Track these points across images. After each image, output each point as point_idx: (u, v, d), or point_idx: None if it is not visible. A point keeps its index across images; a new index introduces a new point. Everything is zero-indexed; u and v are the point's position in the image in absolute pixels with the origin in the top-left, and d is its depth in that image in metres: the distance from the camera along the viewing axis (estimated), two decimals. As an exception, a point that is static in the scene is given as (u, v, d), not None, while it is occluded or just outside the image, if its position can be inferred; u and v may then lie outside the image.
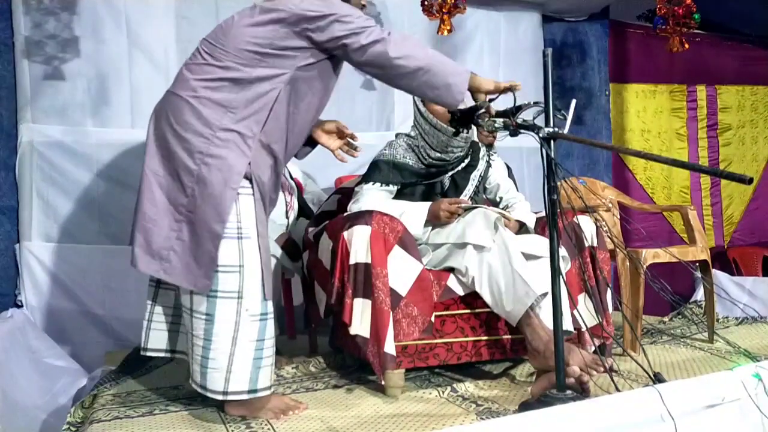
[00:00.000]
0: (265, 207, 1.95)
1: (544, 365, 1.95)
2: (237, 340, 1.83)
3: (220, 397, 1.87)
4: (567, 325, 2.06)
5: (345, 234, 2.15)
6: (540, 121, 1.82)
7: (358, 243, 2.10)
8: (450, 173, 2.48)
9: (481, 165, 2.55)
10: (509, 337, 2.27)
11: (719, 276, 4.02)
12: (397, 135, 2.57)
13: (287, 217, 2.92)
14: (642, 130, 4.89)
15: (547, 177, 1.75)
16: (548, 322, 2.04)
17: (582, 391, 1.79)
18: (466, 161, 2.50)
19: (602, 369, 1.88)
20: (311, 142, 2.23)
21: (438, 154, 2.41)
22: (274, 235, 2.81)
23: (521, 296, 2.03)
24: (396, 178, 2.42)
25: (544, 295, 2.04)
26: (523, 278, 2.03)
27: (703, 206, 5.07)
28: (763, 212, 5.33)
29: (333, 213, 2.76)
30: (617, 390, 1.79)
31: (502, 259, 2.09)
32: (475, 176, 2.52)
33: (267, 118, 1.90)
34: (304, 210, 3.05)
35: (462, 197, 2.46)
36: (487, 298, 2.12)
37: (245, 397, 1.85)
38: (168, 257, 1.87)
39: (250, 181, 1.88)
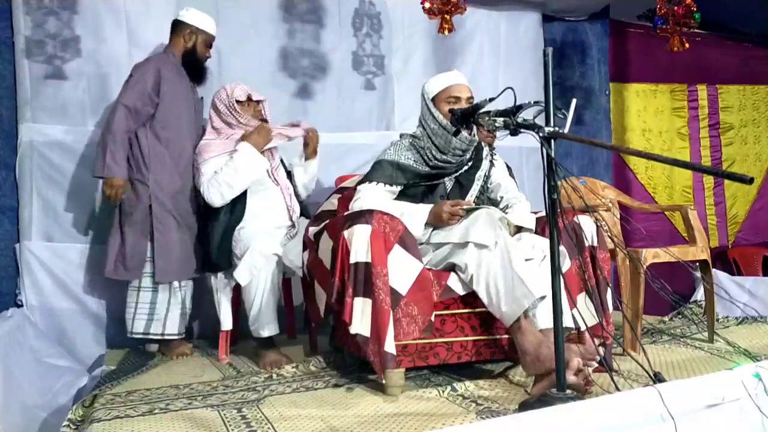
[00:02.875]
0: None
1: (539, 369, 1.95)
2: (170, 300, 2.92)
3: (158, 337, 2.93)
4: (567, 321, 2.05)
5: (345, 233, 2.15)
6: (540, 121, 1.82)
7: (359, 242, 2.10)
8: (454, 175, 2.47)
9: (485, 164, 2.54)
10: (509, 337, 2.27)
11: (719, 276, 4.01)
12: (401, 135, 2.56)
13: (291, 219, 2.94)
14: (643, 130, 4.88)
15: (548, 176, 1.75)
16: (545, 322, 2.04)
17: (585, 385, 1.79)
18: (470, 162, 2.50)
19: (597, 358, 1.88)
20: None
21: (442, 156, 2.41)
22: (278, 238, 2.81)
23: (519, 297, 2.03)
24: (399, 178, 2.42)
25: (542, 298, 2.03)
26: (523, 280, 2.03)
27: (706, 206, 5.06)
28: (767, 212, 5.32)
29: (333, 212, 2.76)
30: (617, 390, 1.79)
31: (503, 259, 2.09)
32: (479, 176, 2.51)
33: None
34: (302, 210, 3.06)
35: (467, 198, 2.46)
36: (483, 297, 2.12)
37: (176, 337, 2.96)
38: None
39: None
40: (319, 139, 3.11)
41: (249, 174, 2.79)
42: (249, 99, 2.95)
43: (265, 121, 2.98)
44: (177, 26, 3.04)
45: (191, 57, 3.03)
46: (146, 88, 2.85)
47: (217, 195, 2.78)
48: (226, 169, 2.78)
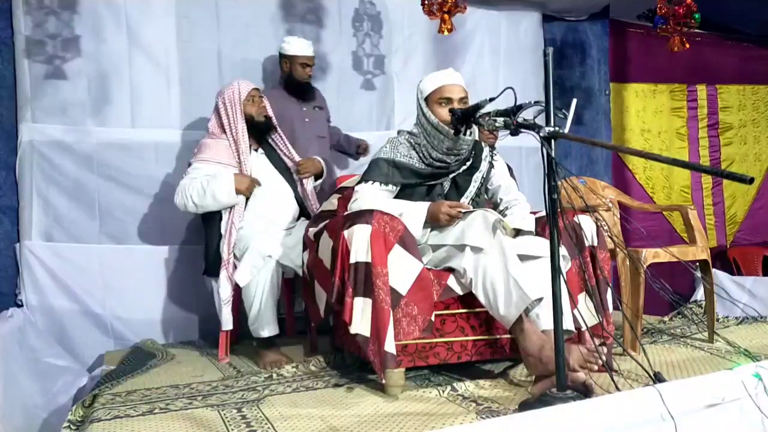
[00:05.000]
0: None
1: (542, 370, 1.94)
2: None
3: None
4: (567, 324, 2.05)
5: (345, 233, 2.15)
6: (540, 121, 1.81)
7: (359, 242, 2.10)
8: (452, 175, 2.46)
9: (484, 166, 2.51)
10: (509, 336, 2.27)
11: (719, 276, 4.02)
12: (399, 132, 2.54)
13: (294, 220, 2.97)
14: (642, 130, 4.89)
15: (548, 176, 1.74)
16: (547, 323, 2.04)
17: (586, 393, 1.79)
18: (468, 163, 2.49)
19: (600, 362, 1.88)
20: None
21: (439, 155, 2.39)
22: (278, 237, 2.81)
23: (515, 300, 2.02)
24: (396, 177, 2.40)
25: (539, 300, 2.03)
26: (518, 282, 2.01)
27: (704, 206, 5.06)
28: (767, 211, 5.32)
29: (333, 212, 2.76)
30: (617, 390, 1.79)
31: (499, 262, 2.08)
32: (477, 177, 2.49)
33: None
34: (303, 209, 3.06)
35: (463, 199, 2.44)
36: (483, 300, 2.12)
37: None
38: None
39: None
40: (313, 165, 3.12)
41: (216, 205, 2.83)
42: (255, 93, 2.98)
43: (268, 117, 3.00)
44: (279, 58, 3.43)
45: (290, 80, 3.41)
46: None
47: (182, 201, 2.86)
48: (199, 189, 2.82)
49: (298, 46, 3.37)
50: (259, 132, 2.98)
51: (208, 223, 2.87)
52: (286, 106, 3.36)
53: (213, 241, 2.83)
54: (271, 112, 3.04)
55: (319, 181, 3.19)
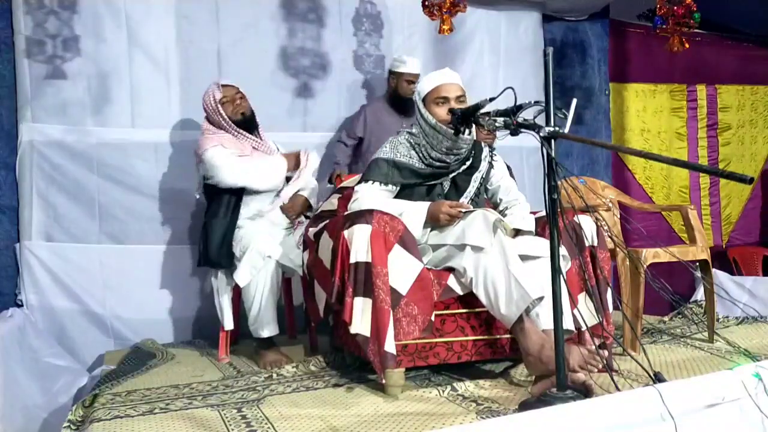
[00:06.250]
0: None
1: (542, 370, 1.95)
2: None
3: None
4: (567, 324, 2.05)
5: (345, 233, 2.15)
6: (540, 121, 1.81)
7: (359, 242, 2.10)
8: (451, 175, 2.46)
9: (483, 166, 2.51)
10: (509, 336, 2.27)
11: (719, 275, 4.02)
12: (398, 132, 2.54)
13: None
14: (642, 130, 4.89)
15: (548, 176, 1.74)
16: (547, 322, 2.04)
17: (586, 393, 1.79)
18: (468, 163, 2.48)
19: (600, 364, 1.88)
20: None
21: (439, 155, 2.39)
22: (278, 237, 2.81)
23: (516, 300, 2.02)
24: (396, 177, 2.40)
25: (540, 299, 2.03)
26: (519, 282, 2.02)
27: (701, 206, 5.07)
28: (760, 211, 5.33)
29: (333, 212, 2.76)
30: (617, 390, 1.79)
31: (500, 261, 2.08)
32: (476, 178, 2.48)
33: None
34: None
35: (463, 199, 2.44)
36: (483, 299, 2.12)
37: None
38: None
39: None
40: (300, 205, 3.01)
41: (266, 179, 2.88)
42: (226, 94, 2.90)
43: (245, 114, 2.95)
44: (388, 74, 3.67)
45: (394, 95, 3.62)
46: (351, 128, 3.64)
47: (230, 173, 2.79)
48: (254, 161, 2.87)
49: (409, 65, 3.55)
50: (244, 129, 2.93)
51: (213, 213, 2.84)
52: (385, 120, 3.58)
53: (216, 232, 2.81)
54: (250, 108, 2.99)
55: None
